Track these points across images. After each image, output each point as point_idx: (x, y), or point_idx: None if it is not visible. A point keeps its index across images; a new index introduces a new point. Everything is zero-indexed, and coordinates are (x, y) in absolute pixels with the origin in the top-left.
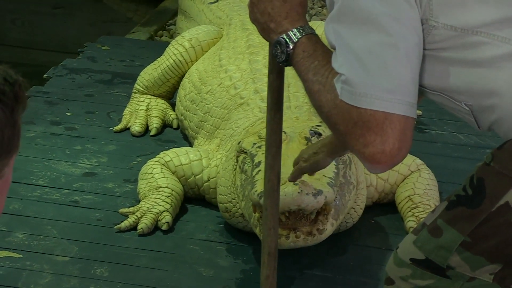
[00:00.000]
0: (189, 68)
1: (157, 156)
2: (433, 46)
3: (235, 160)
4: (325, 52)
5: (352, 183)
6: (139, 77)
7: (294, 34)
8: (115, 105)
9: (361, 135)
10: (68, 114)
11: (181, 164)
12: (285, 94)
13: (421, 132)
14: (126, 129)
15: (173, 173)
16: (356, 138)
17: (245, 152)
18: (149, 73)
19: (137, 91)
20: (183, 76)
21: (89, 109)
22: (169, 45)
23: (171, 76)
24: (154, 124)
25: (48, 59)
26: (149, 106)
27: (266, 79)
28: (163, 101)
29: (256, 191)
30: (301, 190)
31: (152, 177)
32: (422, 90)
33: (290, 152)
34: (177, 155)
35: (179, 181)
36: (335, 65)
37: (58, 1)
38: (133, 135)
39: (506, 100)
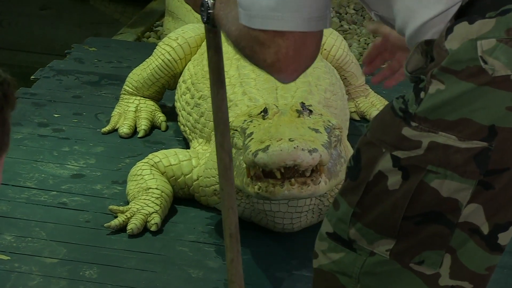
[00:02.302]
0: (178, 67)
1: (146, 157)
2: None
3: None
4: None
5: (343, 157)
6: (128, 78)
7: None
8: (103, 107)
9: (260, 52)
10: (56, 115)
11: (171, 165)
12: (273, 95)
13: None
14: (114, 130)
15: (162, 174)
16: (258, 56)
17: (236, 130)
18: (138, 74)
19: (126, 93)
20: (172, 76)
21: (76, 111)
22: (157, 46)
23: (160, 76)
24: (143, 126)
25: (35, 61)
26: (138, 108)
27: (253, 82)
28: (152, 103)
29: (250, 151)
30: (297, 146)
31: (142, 178)
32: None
33: (282, 122)
34: (166, 156)
35: (169, 181)
36: None
37: (45, 2)
38: (121, 137)
39: (400, 12)
